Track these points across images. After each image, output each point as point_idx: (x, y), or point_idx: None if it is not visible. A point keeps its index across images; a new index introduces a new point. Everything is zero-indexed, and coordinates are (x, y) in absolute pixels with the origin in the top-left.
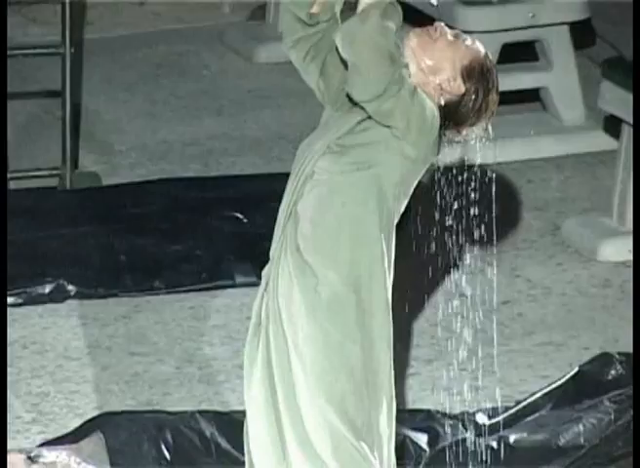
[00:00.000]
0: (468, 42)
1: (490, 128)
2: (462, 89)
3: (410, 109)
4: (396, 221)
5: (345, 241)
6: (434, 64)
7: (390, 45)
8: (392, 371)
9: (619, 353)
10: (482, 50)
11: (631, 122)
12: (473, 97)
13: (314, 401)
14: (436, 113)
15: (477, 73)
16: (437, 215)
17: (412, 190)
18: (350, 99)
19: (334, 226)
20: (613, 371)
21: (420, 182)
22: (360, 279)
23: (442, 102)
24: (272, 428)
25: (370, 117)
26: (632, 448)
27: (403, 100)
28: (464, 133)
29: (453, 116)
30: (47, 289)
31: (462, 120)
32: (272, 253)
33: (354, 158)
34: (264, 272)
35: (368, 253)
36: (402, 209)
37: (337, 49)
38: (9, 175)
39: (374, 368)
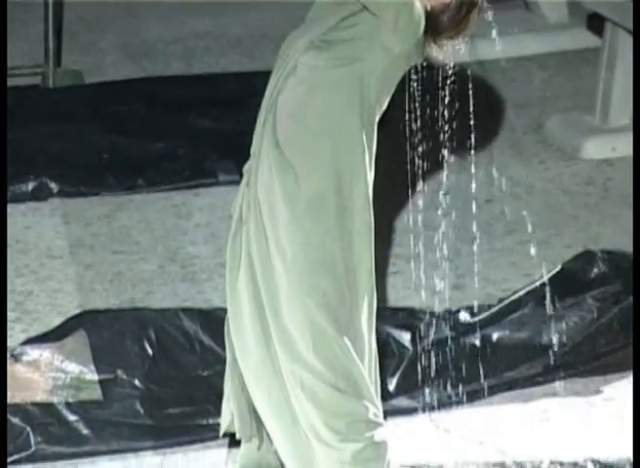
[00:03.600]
0: None
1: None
2: None
3: (401, 1)
4: (377, 118)
5: (326, 137)
6: None
7: None
8: (373, 268)
9: (601, 251)
10: None
11: (614, 19)
12: (457, 9)
13: (295, 297)
14: (423, 15)
15: None
16: (420, 114)
17: (394, 88)
18: None
19: (314, 122)
20: (595, 269)
21: (402, 81)
22: (341, 175)
23: (428, 8)
24: (255, 324)
25: (355, 14)
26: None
27: None
28: (441, 44)
29: (432, 25)
30: (29, 187)
31: (441, 30)
32: (253, 148)
33: (337, 53)
34: (246, 168)
35: (349, 149)
36: (384, 106)
37: None
38: None
39: (354, 264)
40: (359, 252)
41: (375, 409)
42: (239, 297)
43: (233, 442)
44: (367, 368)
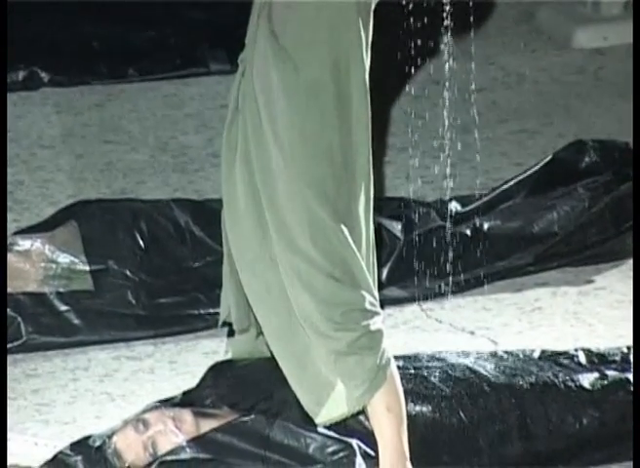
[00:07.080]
0: None
1: None
2: None
3: None
4: (373, 6)
5: (323, 25)
6: None
7: None
8: (370, 156)
9: (592, 140)
10: None
11: None
12: None
13: (293, 186)
14: None
15: None
16: (415, 3)
17: None
18: None
19: (311, 10)
20: (587, 158)
21: None
22: (338, 63)
23: None
24: (251, 216)
25: None
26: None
27: None
28: None
29: None
30: (20, 76)
31: None
32: (248, 38)
33: None
34: (241, 58)
35: (346, 37)
36: None
37: None
38: None
39: (352, 152)
40: (357, 139)
41: (371, 298)
42: (235, 189)
43: (230, 332)
44: (364, 257)
